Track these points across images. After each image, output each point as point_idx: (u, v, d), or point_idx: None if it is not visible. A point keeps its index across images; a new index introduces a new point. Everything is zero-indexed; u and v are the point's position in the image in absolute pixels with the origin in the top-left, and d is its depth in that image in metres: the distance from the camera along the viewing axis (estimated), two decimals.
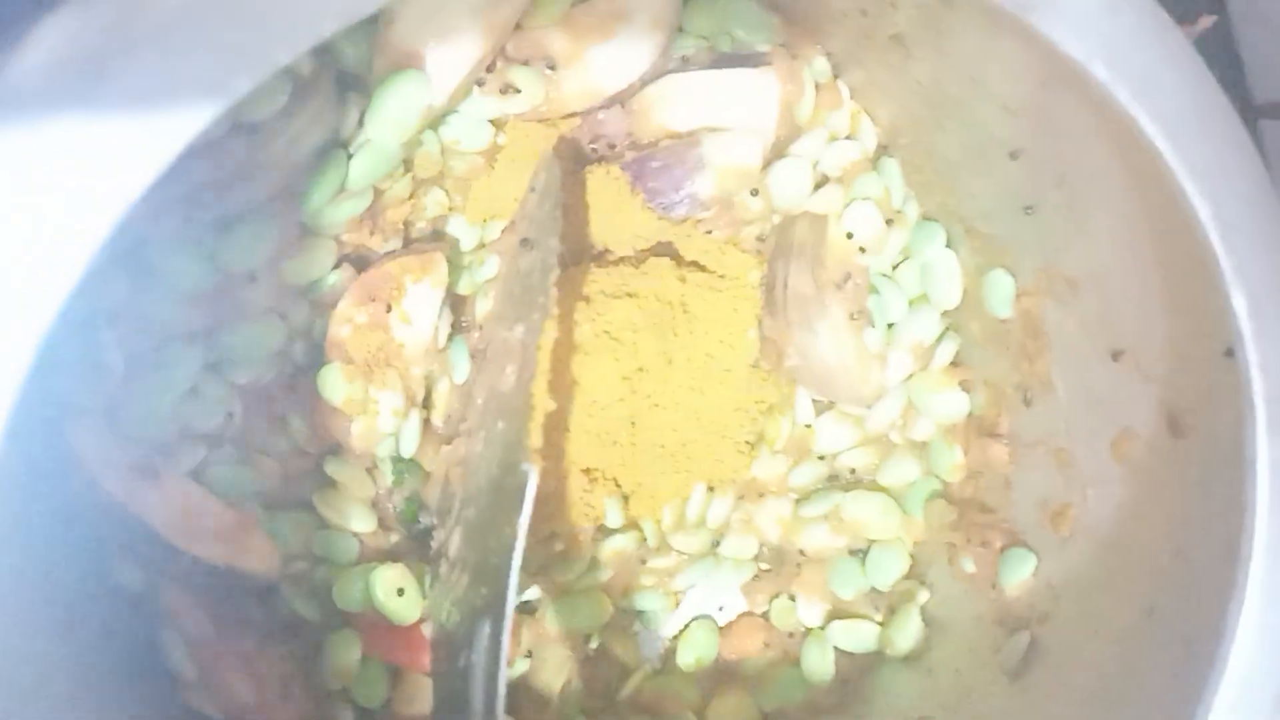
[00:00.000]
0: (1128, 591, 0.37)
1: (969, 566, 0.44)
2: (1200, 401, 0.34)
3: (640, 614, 0.49)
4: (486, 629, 0.33)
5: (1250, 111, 0.73)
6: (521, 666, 0.46)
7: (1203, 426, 0.34)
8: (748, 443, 0.47)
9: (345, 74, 0.40)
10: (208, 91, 0.22)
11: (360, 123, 0.40)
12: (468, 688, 0.33)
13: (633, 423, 0.44)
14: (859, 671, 0.47)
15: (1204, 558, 0.34)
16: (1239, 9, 0.70)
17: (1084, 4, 0.26)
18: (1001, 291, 0.42)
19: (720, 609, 0.50)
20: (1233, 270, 0.27)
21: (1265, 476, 0.29)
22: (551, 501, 0.43)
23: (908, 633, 0.46)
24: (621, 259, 0.44)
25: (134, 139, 0.22)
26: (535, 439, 0.35)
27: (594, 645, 0.48)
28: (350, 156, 0.40)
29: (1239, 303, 0.27)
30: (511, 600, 0.32)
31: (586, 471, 0.44)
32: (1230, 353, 0.31)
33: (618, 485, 0.45)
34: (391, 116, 0.39)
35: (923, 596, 0.46)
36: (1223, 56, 0.72)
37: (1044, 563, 0.41)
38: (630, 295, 0.42)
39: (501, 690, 0.31)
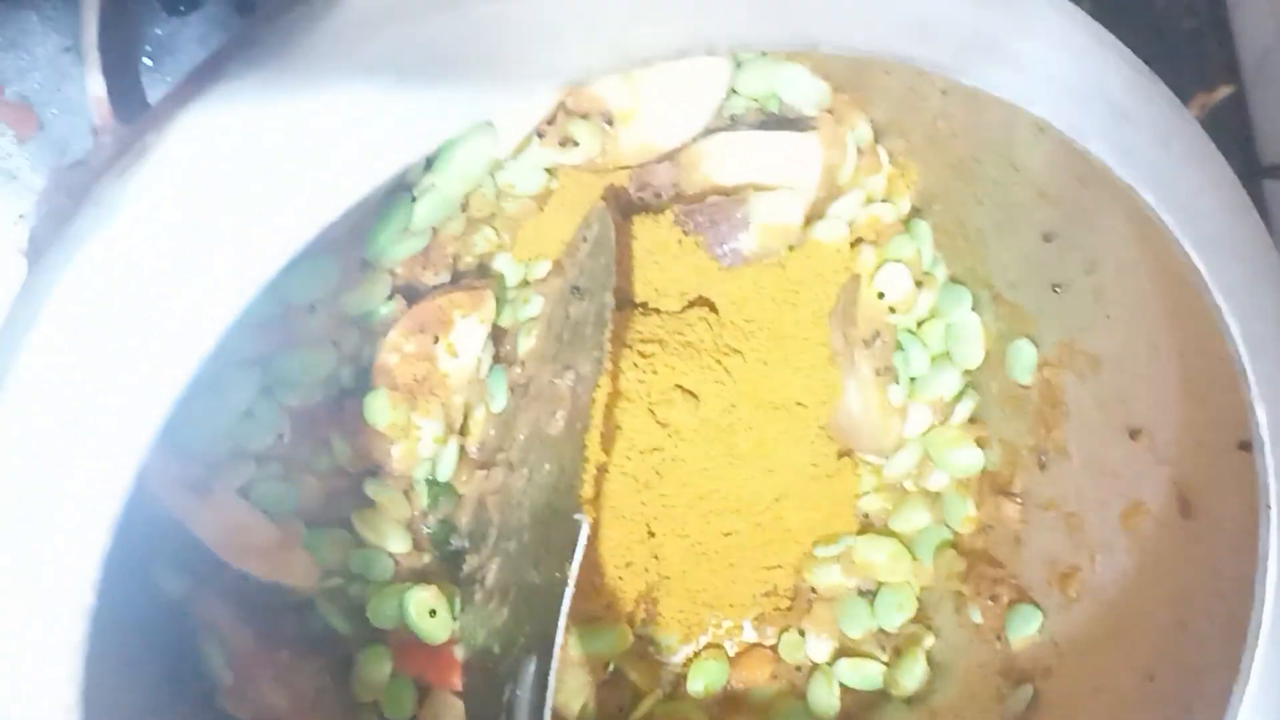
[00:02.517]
0: (1129, 655, 0.39)
1: (976, 617, 0.46)
2: (1210, 487, 0.36)
3: (654, 641, 0.51)
4: (533, 667, 0.35)
5: (1256, 172, 0.76)
6: None
7: (1212, 511, 0.36)
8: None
9: None
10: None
11: (426, 168, 0.42)
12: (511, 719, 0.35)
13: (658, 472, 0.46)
14: (863, 708, 0.49)
15: (1206, 633, 0.36)
16: (1252, 72, 0.72)
17: (1136, 132, 0.28)
18: (1024, 360, 0.44)
19: (731, 640, 0.52)
20: (1257, 383, 0.30)
21: (1275, 572, 0.31)
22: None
23: (913, 674, 0.48)
24: (663, 311, 0.45)
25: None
26: (588, 490, 0.37)
27: (610, 669, 0.50)
28: (414, 200, 0.42)
29: (1261, 412, 0.30)
30: (559, 642, 0.34)
31: (622, 516, 0.45)
32: (1245, 446, 0.33)
33: (650, 533, 0.47)
34: (459, 167, 0.41)
35: (928, 641, 0.48)
36: (1233, 119, 0.75)
37: (1050, 620, 0.44)
38: (681, 344, 0.44)
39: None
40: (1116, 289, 0.38)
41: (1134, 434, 0.39)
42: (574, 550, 0.35)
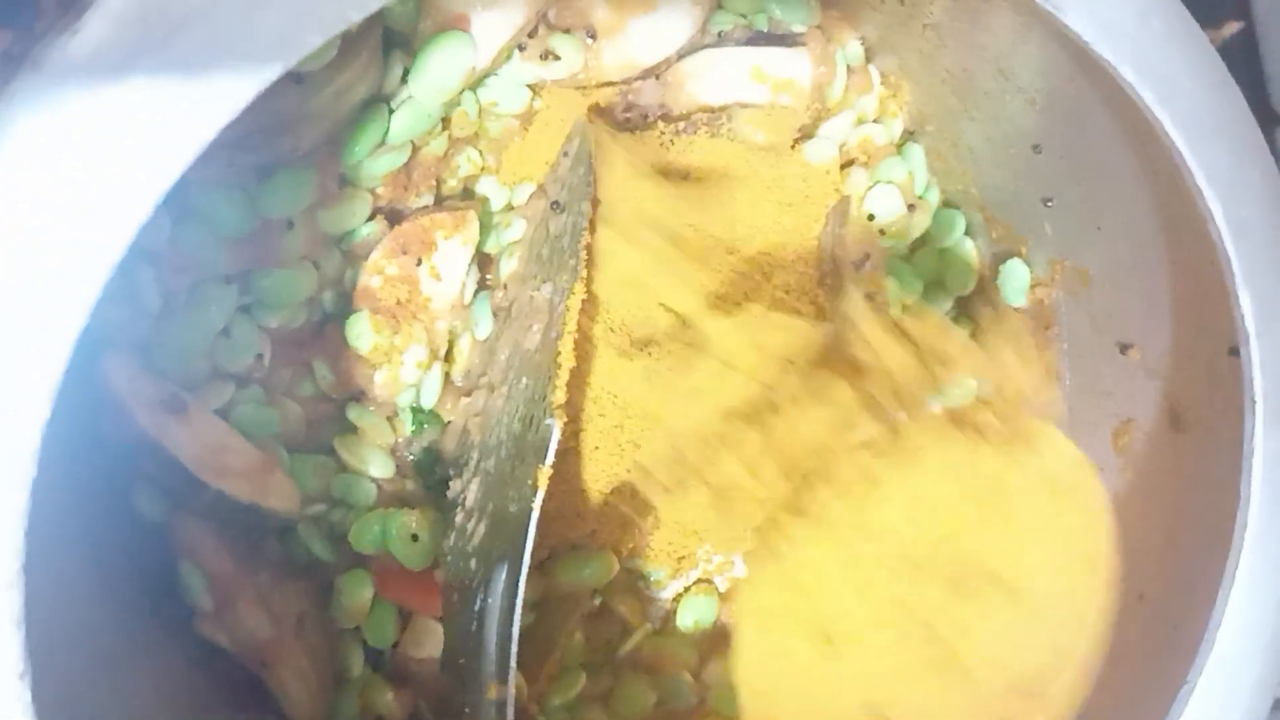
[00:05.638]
0: (1122, 576, 0.38)
1: None
2: (1201, 398, 0.35)
3: (644, 575, 0.50)
4: (503, 574, 0.34)
5: (1269, 119, 0.74)
6: (527, 618, 0.47)
7: (1202, 422, 0.35)
8: None
9: (392, 31, 0.41)
10: (279, 47, 0.23)
11: (403, 80, 0.41)
12: (483, 629, 0.34)
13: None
14: None
15: (1194, 546, 0.35)
16: (1264, 16, 0.70)
17: (1115, 7, 0.27)
18: (1017, 281, 0.44)
19: (722, 575, 0.51)
20: (1242, 270, 0.29)
21: (1260, 469, 0.30)
22: (568, 458, 0.45)
23: None
24: None
25: (200, 96, 0.23)
26: (560, 395, 0.37)
27: (597, 602, 0.49)
28: (392, 112, 0.41)
29: (1246, 302, 0.29)
30: (529, 546, 0.33)
31: (606, 431, 0.45)
32: (1234, 351, 0.32)
33: (636, 446, 0.46)
34: (435, 76, 0.40)
35: None
36: (1245, 63, 0.73)
37: None
38: None
39: (515, 630, 0.33)
40: (1106, 196, 0.37)
41: (1125, 349, 0.38)
42: (546, 455, 0.34)
